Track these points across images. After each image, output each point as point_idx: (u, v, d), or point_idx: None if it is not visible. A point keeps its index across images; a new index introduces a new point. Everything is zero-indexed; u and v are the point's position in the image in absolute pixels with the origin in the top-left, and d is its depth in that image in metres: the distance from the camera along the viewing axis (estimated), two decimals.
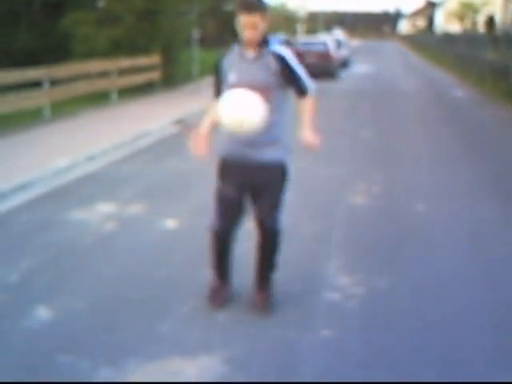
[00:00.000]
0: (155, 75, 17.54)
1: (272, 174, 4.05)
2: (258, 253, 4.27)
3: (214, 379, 3.44)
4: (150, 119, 12.31)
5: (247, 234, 4.61)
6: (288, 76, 3.97)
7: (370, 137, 11.15)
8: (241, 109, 3.72)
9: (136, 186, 7.54)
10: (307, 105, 4.06)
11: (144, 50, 17.05)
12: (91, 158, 8.80)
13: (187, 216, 6.29)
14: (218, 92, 4.09)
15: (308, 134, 3.98)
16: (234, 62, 3.98)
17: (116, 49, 16.17)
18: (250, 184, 4.08)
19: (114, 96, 15.10)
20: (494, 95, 18.09)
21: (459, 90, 20.31)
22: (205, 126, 4.11)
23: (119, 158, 9.13)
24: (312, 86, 4.07)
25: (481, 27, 47.59)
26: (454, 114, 14.68)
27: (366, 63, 33.61)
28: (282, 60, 3.95)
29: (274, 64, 3.93)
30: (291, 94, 4.09)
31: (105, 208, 6.53)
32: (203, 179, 7.79)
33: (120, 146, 9.77)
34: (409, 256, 5.33)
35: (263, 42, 3.96)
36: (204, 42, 26.37)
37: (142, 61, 16.61)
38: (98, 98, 14.54)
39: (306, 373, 3.54)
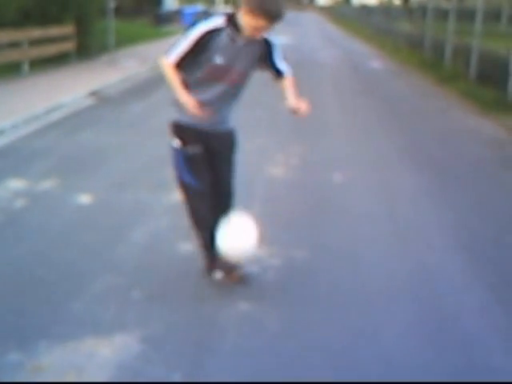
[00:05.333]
0: (69, 46, 16.95)
1: (231, 140, 4.20)
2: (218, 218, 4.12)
3: (131, 358, 3.34)
4: (63, 91, 11.90)
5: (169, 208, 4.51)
6: (268, 59, 4.03)
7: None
8: (241, 242, 3.92)
9: (48, 160, 7.26)
10: (289, 82, 4.19)
11: (56, 20, 16.42)
12: (1, 133, 8.42)
13: (102, 191, 6.10)
14: (181, 61, 3.80)
15: (296, 101, 4.02)
16: (224, 45, 3.78)
17: (26, 19, 15.47)
18: (212, 150, 4.06)
19: (26, 67, 14.50)
20: (408, 65, 18.46)
21: (376, 61, 20.59)
22: (185, 92, 3.83)
23: (30, 132, 8.77)
24: (288, 69, 4.19)
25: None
26: (371, 85, 14.88)
27: (284, 35, 33.53)
28: (268, 44, 3.96)
29: (261, 48, 3.93)
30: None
31: (14, 184, 6.25)
32: (118, 153, 7.62)
33: (32, 119, 9.38)
34: (326, 227, 5.35)
35: None
36: (120, 13, 25.65)
37: (54, 31, 15.98)
38: (9, 70, 13.93)
39: (223, 348, 3.49)
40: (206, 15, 3.93)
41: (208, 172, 4.05)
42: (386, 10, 30.38)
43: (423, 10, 20.72)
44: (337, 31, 41.37)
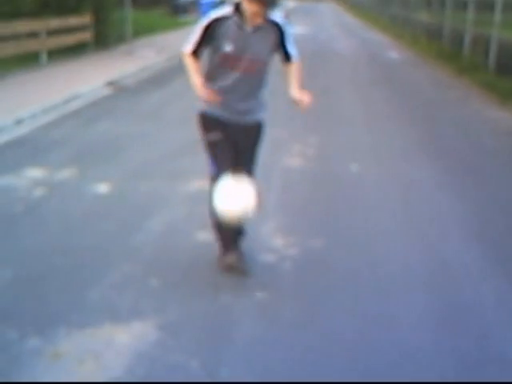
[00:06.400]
0: (87, 36, 17.00)
1: (257, 133, 4.22)
2: None
3: (148, 346, 3.38)
4: (81, 81, 11.95)
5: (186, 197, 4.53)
6: (280, 43, 4.05)
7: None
8: (236, 204, 3.80)
9: (66, 150, 7.31)
10: (295, 68, 4.23)
11: (74, 10, 16.47)
12: (19, 122, 8.49)
13: (119, 180, 6.14)
14: (197, 49, 3.97)
15: (299, 93, 4.16)
16: (231, 32, 3.86)
17: (44, 9, 15.53)
18: (236, 141, 4.10)
19: (44, 57, 14.57)
20: (427, 56, 18.32)
21: (394, 51, 20.47)
22: (199, 80, 3.94)
23: (49, 121, 8.84)
24: (296, 52, 4.19)
25: None
26: (388, 75, 14.79)
27: (302, 25, 33.44)
28: (280, 29, 3.99)
29: (273, 34, 3.97)
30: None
31: (34, 173, 6.31)
32: (135, 143, 7.65)
33: (50, 109, 9.44)
34: (342, 217, 5.35)
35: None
36: (137, 3, 25.64)
37: (72, 21, 16.03)
38: (27, 60, 14.01)
39: (240, 337, 3.51)
40: (223, 5, 3.98)
41: (230, 160, 4.07)
42: (404, 0, 30.13)
43: (442, 0, 20.54)
44: (354, 21, 41.11)
